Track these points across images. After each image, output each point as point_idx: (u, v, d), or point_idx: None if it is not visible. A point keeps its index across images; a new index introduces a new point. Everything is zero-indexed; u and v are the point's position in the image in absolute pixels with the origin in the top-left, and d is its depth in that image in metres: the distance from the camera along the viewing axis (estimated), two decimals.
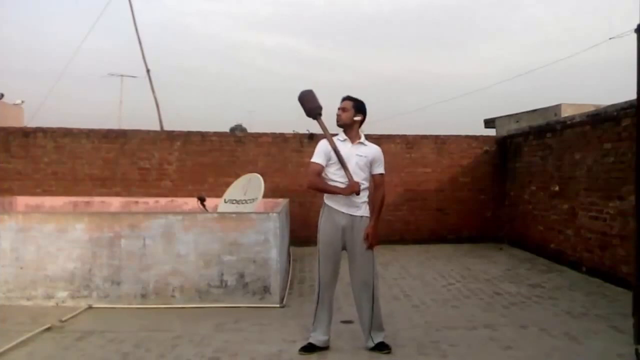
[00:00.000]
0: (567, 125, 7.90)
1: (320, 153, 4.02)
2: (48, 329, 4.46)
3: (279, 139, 9.91)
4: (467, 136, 10.35)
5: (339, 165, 3.97)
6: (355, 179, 3.95)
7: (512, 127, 11.72)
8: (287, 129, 10.15)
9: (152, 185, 9.55)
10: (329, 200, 4.04)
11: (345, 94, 4.14)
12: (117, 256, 5.34)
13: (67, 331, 4.47)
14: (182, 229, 5.40)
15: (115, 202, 8.50)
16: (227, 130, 11.37)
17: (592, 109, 8.25)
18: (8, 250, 5.31)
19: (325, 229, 4.03)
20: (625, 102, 6.25)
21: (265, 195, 6.98)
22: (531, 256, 8.58)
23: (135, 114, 23.86)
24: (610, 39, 16.60)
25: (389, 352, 3.99)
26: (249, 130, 11.86)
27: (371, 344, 4.03)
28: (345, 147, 4.02)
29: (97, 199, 8.62)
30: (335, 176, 3.99)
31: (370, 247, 4.01)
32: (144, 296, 5.33)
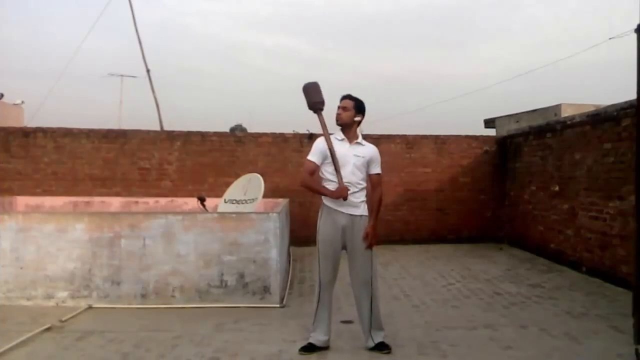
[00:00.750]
0: (567, 125, 7.90)
1: (317, 152, 4.02)
2: (48, 329, 4.46)
3: (279, 139, 9.91)
4: (467, 136, 10.35)
5: (337, 165, 3.97)
6: (353, 179, 3.95)
7: (512, 127, 11.71)
8: (287, 129, 10.16)
9: (152, 185, 9.55)
10: (327, 201, 4.04)
11: (344, 93, 4.12)
12: (117, 256, 5.34)
13: (67, 331, 4.47)
14: (182, 229, 5.40)
15: (115, 202, 8.50)
16: (227, 130, 11.36)
17: (592, 109, 8.25)
18: (8, 250, 5.31)
19: (324, 229, 4.03)
20: (625, 102, 6.25)
21: (265, 195, 6.98)
22: (531, 256, 8.58)
23: (135, 114, 23.87)
24: (610, 39, 16.63)
25: (389, 352, 3.99)
26: (249, 130, 11.86)
27: (371, 344, 4.03)
28: (343, 147, 4.02)
29: (97, 199, 8.62)
30: (332, 176, 3.99)
31: (370, 246, 4.01)
32: (144, 296, 5.33)
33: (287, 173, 9.74)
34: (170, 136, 9.81)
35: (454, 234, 10.05)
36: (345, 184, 3.94)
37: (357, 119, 4.08)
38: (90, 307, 5.21)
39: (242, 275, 5.37)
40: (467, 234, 10.05)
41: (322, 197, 4.07)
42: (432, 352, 4.08)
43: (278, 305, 5.35)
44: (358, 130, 4.15)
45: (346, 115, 4.03)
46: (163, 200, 8.67)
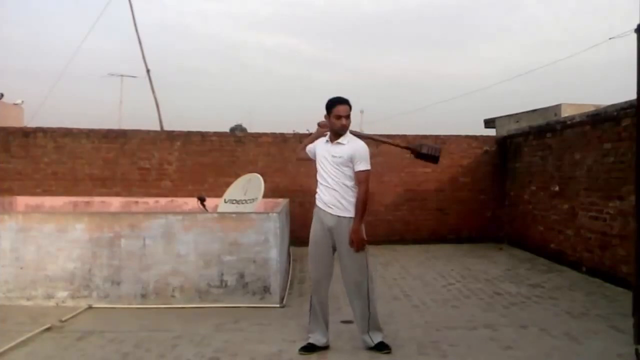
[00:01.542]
0: (567, 125, 7.90)
1: (311, 146, 4.20)
2: (48, 329, 4.46)
3: (279, 139, 9.91)
4: (467, 136, 10.34)
5: (322, 169, 4.03)
6: (334, 178, 3.96)
7: (512, 127, 11.71)
8: (287, 129, 10.16)
9: (152, 185, 9.55)
10: (317, 201, 4.06)
11: (335, 97, 4.01)
12: (117, 256, 5.34)
13: (67, 331, 4.47)
14: (182, 229, 5.40)
15: (115, 202, 8.50)
16: (227, 130, 11.37)
17: (592, 109, 8.25)
18: (8, 250, 5.31)
19: (313, 228, 4.05)
20: (625, 102, 6.25)
21: (265, 195, 6.98)
22: (531, 256, 8.58)
23: (135, 114, 23.91)
24: (610, 39, 16.66)
25: (389, 352, 3.99)
26: (249, 130, 11.87)
27: (371, 344, 4.03)
28: (325, 147, 4.05)
29: (97, 199, 8.62)
30: (322, 179, 4.02)
31: (357, 250, 3.93)
32: (144, 296, 5.33)
33: (287, 173, 9.74)
34: (170, 136, 9.80)
35: (454, 234, 10.04)
36: (327, 184, 3.96)
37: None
38: (90, 307, 5.21)
39: (242, 275, 5.37)
40: (467, 234, 10.04)
41: (316, 198, 4.08)
42: (432, 352, 4.08)
43: (278, 305, 5.34)
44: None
45: (349, 123, 4.00)
46: (163, 200, 8.66)
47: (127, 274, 5.34)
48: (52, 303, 5.27)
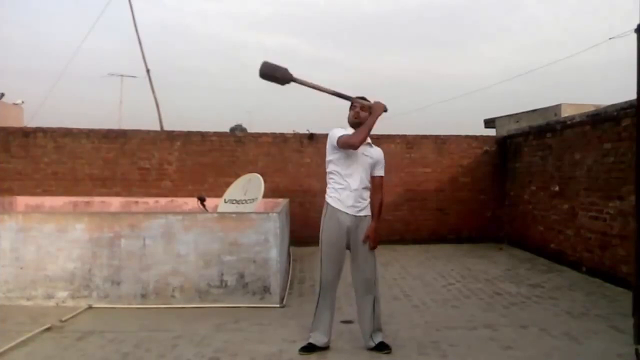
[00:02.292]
0: (567, 125, 7.90)
1: (339, 131, 3.97)
2: (48, 329, 4.46)
3: (279, 139, 9.91)
4: (467, 136, 10.35)
5: (345, 162, 3.94)
6: (361, 176, 3.95)
7: (512, 127, 11.72)
8: (287, 129, 10.16)
9: (152, 185, 9.55)
10: (332, 201, 4.02)
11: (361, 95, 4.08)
12: (117, 256, 5.34)
13: (67, 331, 4.47)
14: (182, 229, 5.40)
15: (115, 202, 8.50)
16: (227, 130, 11.37)
17: (592, 109, 8.25)
18: (8, 250, 5.31)
19: (329, 229, 4.01)
20: (625, 102, 6.25)
21: (265, 195, 6.98)
22: (531, 256, 8.58)
23: (135, 114, 23.91)
24: (610, 39, 16.64)
25: (389, 352, 3.99)
26: (249, 130, 11.86)
27: (372, 344, 4.03)
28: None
29: (97, 199, 8.62)
30: (340, 178, 3.96)
31: (372, 248, 4.03)
32: (144, 296, 5.33)
33: (287, 173, 9.74)
34: (170, 136, 9.80)
35: (454, 234, 10.05)
36: (351, 183, 3.95)
37: None
38: (90, 307, 5.21)
39: (242, 275, 5.37)
40: (467, 234, 10.05)
41: (327, 197, 4.06)
42: (432, 352, 4.08)
43: (278, 305, 5.34)
44: None
45: (364, 115, 4.00)
46: (163, 200, 8.67)
47: (127, 274, 5.34)
48: (52, 303, 5.27)
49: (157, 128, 10.88)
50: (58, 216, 5.64)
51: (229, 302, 5.30)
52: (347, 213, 3.97)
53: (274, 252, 5.40)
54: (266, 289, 5.37)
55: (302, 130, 9.86)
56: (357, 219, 3.99)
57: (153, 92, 12.75)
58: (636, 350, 3.94)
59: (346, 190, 3.98)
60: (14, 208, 7.95)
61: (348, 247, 4.05)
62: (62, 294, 5.30)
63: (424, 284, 6.59)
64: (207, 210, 7.18)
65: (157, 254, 5.36)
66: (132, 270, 5.34)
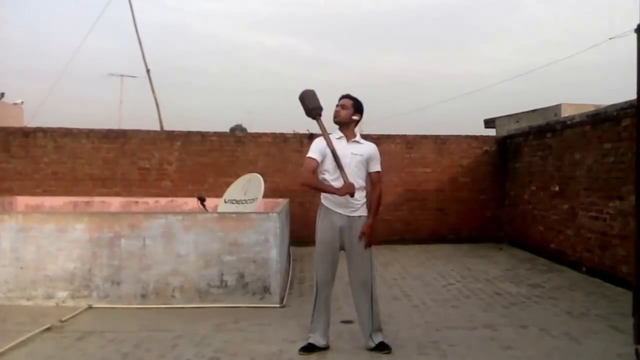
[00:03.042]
0: (567, 125, 7.90)
1: (316, 149, 3.99)
2: (48, 329, 4.46)
3: (279, 139, 9.91)
4: (467, 136, 10.34)
5: (334, 164, 3.95)
6: (351, 178, 3.92)
7: (512, 127, 11.72)
8: (287, 129, 10.15)
9: (152, 185, 9.55)
10: (326, 201, 4.03)
11: (344, 93, 4.13)
12: (117, 256, 5.34)
13: (67, 331, 4.47)
14: (182, 229, 5.40)
15: (115, 202, 8.50)
16: (227, 130, 11.37)
17: (592, 109, 8.25)
18: (8, 250, 5.31)
19: (322, 229, 4.02)
20: (625, 102, 6.25)
21: (265, 195, 6.98)
22: (531, 256, 8.58)
23: (135, 114, 23.91)
24: (610, 39, 16.67)
25: (389, 352, 3.99)
26: (249, 130, 11.86)
27: (371, 344, 4.03)
28: (340, 145, 4.00)
29: (97, 199, 8.62)
30: (331, 180, 3.96)
31: (368, 245, 3.99)
32: (144, 296, 5.33)
33: (287, 173, 9.74)
34: (170, 136, 9.80)
35: (454, 234, 10.04)
36: (340, 183, 3.93)
37: (355, 117, 4.09)
38: (90, 307, 5.21)
39: (242, 275, 5.37)
40: (467, 234, 10.04)
41: (321, 197, 4.07)
42: (432, 352, 4.08)
43: (278, 305, 5.34)
44: (356, 129, 4.16)
45: (344, 114, 4.03)
46: (163, 200, 8.67)
47: (127, 274, 5.34)
48: (52, 303, 5.27)
49: (157, 128, 10.87)
50: (58, 216, 5.64)
51: (229, 302, 5.30)
52: (340, 214, 3.97)
53: (274, 252, 5.40)
54: (266, 289, 5.37)
55: (302, 130, 9.86)
56: (351, 219, 3.97)
57: (153, 92, 12.75)
58: (636, 350, 3.93)
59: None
60: (14, 208, 7.95)
61: (343, 248, 4.04)
62: (62, 294, 5.30)
63: (424, 284, 6.59)
64: (207, 210, 7.18)
65: (157, 254, 5.36)
66: (132, 270, 5.34)
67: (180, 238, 5.38)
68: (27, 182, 9.37)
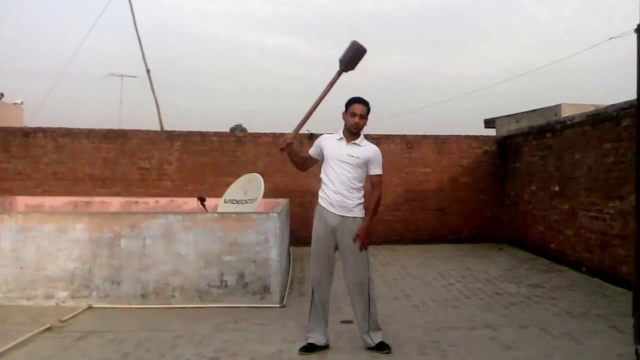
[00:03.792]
0: (567, 125, 7.90)
1: (314, 147, 4.18)
2: (48, 329, 4.46)
3: (279, 139, 9.88)
4: (467, 136, 10.34)
5: (332, 160, 4.00)
6: (342, 179, 3.94)
7: (512, 127, 11.73)
8: (287, 129, 10.10)
9: (152, 185, 9.55)
10: (320, 200, 4.06)
11: (355, 96, 4.08)
12: (117, 256, 5.34)
13: (67, 331, 4.47)
14: (182, 229, 5.40)
15: (115, 202, 8.49)
16: (227, 130, 11.36)
17: (592, 109, 8.25)
18: (8, 250, 5.31)
19: (316, 228, 4.04)
20: (625, 102, 6.25)
21: (265, 195, 6.98)
22: (531, 256, 8.58)
23: (135, 114, 23.88)
24: (610, 39, 16.67)
25: (389, 352, 3.99)
26: (249, 130, 11.85)
27: (371, 343, 4.03)
28: (340, 146, 4.02)
29: (97, 199, 8.62)
30: (327, 179, 4.02)
31: (362, 248, 3.97)
32: (144, 296, 5.33)
33: (287, 173, 9.72)
34: (170, 136, 9.80)
35: (454, 234, 10.04)
36: (335, 183, 3.96)
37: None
38: (90, 307, 5.21)
39: (242, 275, 5.37)
40: (467, 234, 10.04)
41: (318, 197, 4.08)
42: (432, 352, 4.07)
43: (278, 305, 5.34)
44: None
45: (363, 123, 4.03)
46: (163, 200, 8.66)
47: (127, 274, 5.34)
48: (52, 303, 5.27)
49: (157, 128, 10.86)
50: (58, 216, 5.64)
51: (229, 302, 5.30)
52: (333, 213, 3.97)
53: (274, 252, 5.40)
54: (266, 289, 5.37)
55: (302, 130, 9.85)
56: (344, 219, 3.96)
57: (153, 92, 12.74)
58: (636, 350, 3.93)
59: (330, 190, 3.99)
60: (14, 208, 7.95)
61: (337, 249, 4.04)
62: (62, 294, 5.30)
63: (424, 284, 6.59)
64: (207, 210, 7.18)
65: (157, 254, 5.36)
66: (132, 270, 5.34)
67: (180, 238, 5.38)
68: (27, 182, 9.36)
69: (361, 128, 4.04)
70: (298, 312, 5.08)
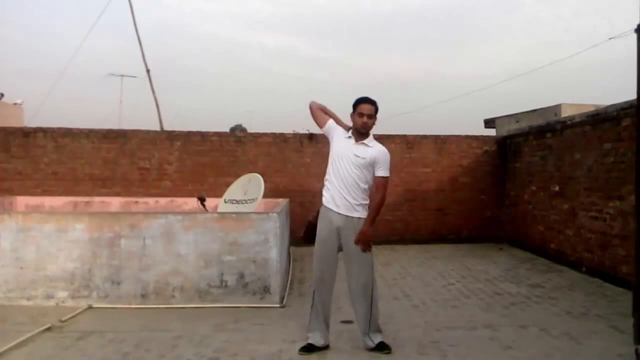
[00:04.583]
0: (567, 125, 7.90)
1: (330, 127, 4.09)
2: (48, 329, 4.46)
3: (279, 139, 9.91)
4: (467, 136, 10.35)
5: (339, 155, 3.97)
6: (348, 179, 3.92)
7: (512, 127, 11.73)
8: (287, 129, 10.15)
9: (152, 185, 9.55)
10: (324, 200, 4.04)
11: (364, 95, 4.07)
12: (117, 256, 5.34)
13: (67, 331, 4.47)
14: (182, 229, 5.40)
15: (115, 202, 8.49)
16: (227, 130, 11.36)
17: (592, 109, 8.25)
18: (8, 250, 5.31)
19: (321, 228, 4.02)
20: (625, 102, 6.25)
21: (265, 195, 6.98)
22: (531, 256, 8.58)
23: (135, 114, 23.89)
24: (610, 39, 16.67)
25: (389, 352, 3.98)
26: (249, 130, 11.85)
27: (371, 345, 4.02)
28: (347, 144, 3.99)
29: (97, 199, 8.62)
30: (332, 176, 3.99)
31: (363, 250, 3.95)
32: (144, 296, 5.33)
33: (287, 173, 9.74)
34: (170, 136, 9.80)
35: (454, 234, 10.04)
36: (341, 183, 3.93)
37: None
38: (90, 307, 5.21)
39: (242, 275, 5.37)
40: (467, 234, 10.04)
41: (322, 197, 4.07)
42: (432, 352, 4.07)
43: (278, 305, 5.34)
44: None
45: (372, 123, 4.01)
46: (163, 200, 8.66)
47: (127, 274, 5.34)
48: (52, 303, 5.27)
49: (157, 128, 10.86)
50: (58, 216, 5.64)
51: (229, 302, 5.30)
52: (337, 213, 3.95)
53: (274, 252, 5.40)
54: (266, 289, 5.37)
55: (302, 130, 9.87)
56: (348, 219, 3.95)
57: (153, 92, 12.73)
58: (636, 350, 3.93)
59: (334, 190, 3.97)
60: (14, 208, 7.95)
61: (341, 249, 4.03)
62: (62, 294, 5.30)
63: (424, 284, 6.59)
64: (207, 210, 7.18)
65: (157, 254, 5.36)
66: (132, 270, 5.34)
67: (180, 238, 5.38)
68: (27, 182, 9.37)
69: (370, 128, 4.02)
70: (298, 312, 5.08)
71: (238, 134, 10.33)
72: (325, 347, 4.06)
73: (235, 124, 13.78)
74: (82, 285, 5.32)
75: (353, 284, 4.04)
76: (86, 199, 8.54)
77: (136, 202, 8.56)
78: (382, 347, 4.00)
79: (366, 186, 3.99)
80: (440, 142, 10.21)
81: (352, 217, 3.95)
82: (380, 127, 4.20)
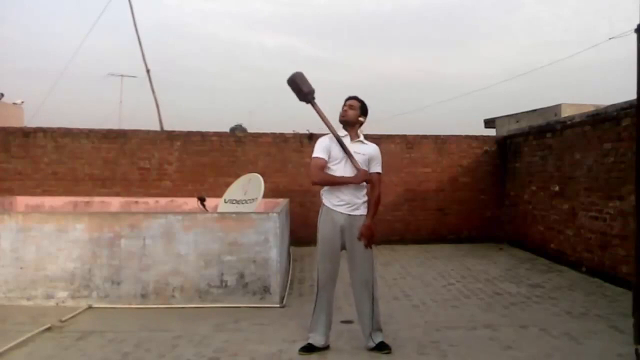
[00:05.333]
0: (567, 125, 7.90)
1: (321, 148, 4.03)
2: (48, 329, 4.46)
3: (279, 139, 9.91)
4: (467, 136, 10.34)
5: (337, 160, 3.98)
6: (353, 176, 3.95)
7: (512, 127, 11.74)
8: (287, 129, 10.15)
9: (152, 185, 9.55)
10: (327, 201, 4.04)
11: (351, 94, 4.17)
12: (117, 256, 5.34)
13: (67, 331, 4.47)
14: (182, 229, 5.40)
15: (115, 202, 8.49)
16: (227, 130, 11.36)
17: (592, 109, 8.25)
18: (8, 250, 5.31)
19: (324, 228, 4.03)
20: (625, 102, 6.25)
21: (265, 195, 6.98)
22: (531, 256, 8.58)
23: (135, 114, 23.89)
24: (610, 39, 16.68)
25: (389, 352, 3.99)
26: (249, 130, 11.86)
27: (371, 344, 4.03)
28: (345, 143, 4.03)
29: (97, 199, 8.62)
30: (336, 173, 3.99)
31: (367, 245, 3.99)
32: (144, 296, 5.33)
33: (287, 173, 9.74)
34: (170, 136, 9.80)
35: (454, 234, 10.04)
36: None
37: (361, 119, 4.13)
38: (90, 307, 5.21)
39: (242, 275, 5.37)
40: (467, 234, 10.04)
41: (322, 197, 4.08)
42: (432, 352, 4.07)
43: (278, 305, 5.34)
44: (359, 131, 4.18)
45: (352, 114, 4.07)
46: (163, 200, 8.66)
47: (127, 274, 5.34)
48: (52, 303, 5.27)
49: (157, 128, 10.87)
50: (58, 216, 5.64)
51: (229, 302, 5.30)
52: (340, 212, 3.97)
53: (274, 252, 5.40)
54: (266, 289, 5.37)
55: (302, 130, 9.86)
56: (351, 217, 3.98)
57: (153, 92, 12.75)
58: (636, 350, 3.93)
59: (337, 189, 3.98)
60: (14, 208, 7.95)
61: (344, 247, 4.04)
62: (62, 294, 5.30)
63: (424, 284, 6.59)
64: (207, 210, 7.18)
65: (157, 254, 5.36)
66: (132, 270, 5.34)
67: (180, 238, 5.38)
68: (27, 182, 9.37)
69: (349, 118, 4.07)
70: (298, 312, 5.08)
71: (238, 134, 10.33)
72: (326, 348, 4.06)
73: (235, 124, 13.79)
74: (82, 285, 5.32)
75: (355, 281, 4.06)
76: (86, 199, 8.54)
77: (136, 202, 8.56)
78: (382, 347, 4.01)
79: (366, 183, 4.05)
80: (440, 142, 10.21)
81: (355, 215, 3.99)
82: (380, 127, 4.22)
